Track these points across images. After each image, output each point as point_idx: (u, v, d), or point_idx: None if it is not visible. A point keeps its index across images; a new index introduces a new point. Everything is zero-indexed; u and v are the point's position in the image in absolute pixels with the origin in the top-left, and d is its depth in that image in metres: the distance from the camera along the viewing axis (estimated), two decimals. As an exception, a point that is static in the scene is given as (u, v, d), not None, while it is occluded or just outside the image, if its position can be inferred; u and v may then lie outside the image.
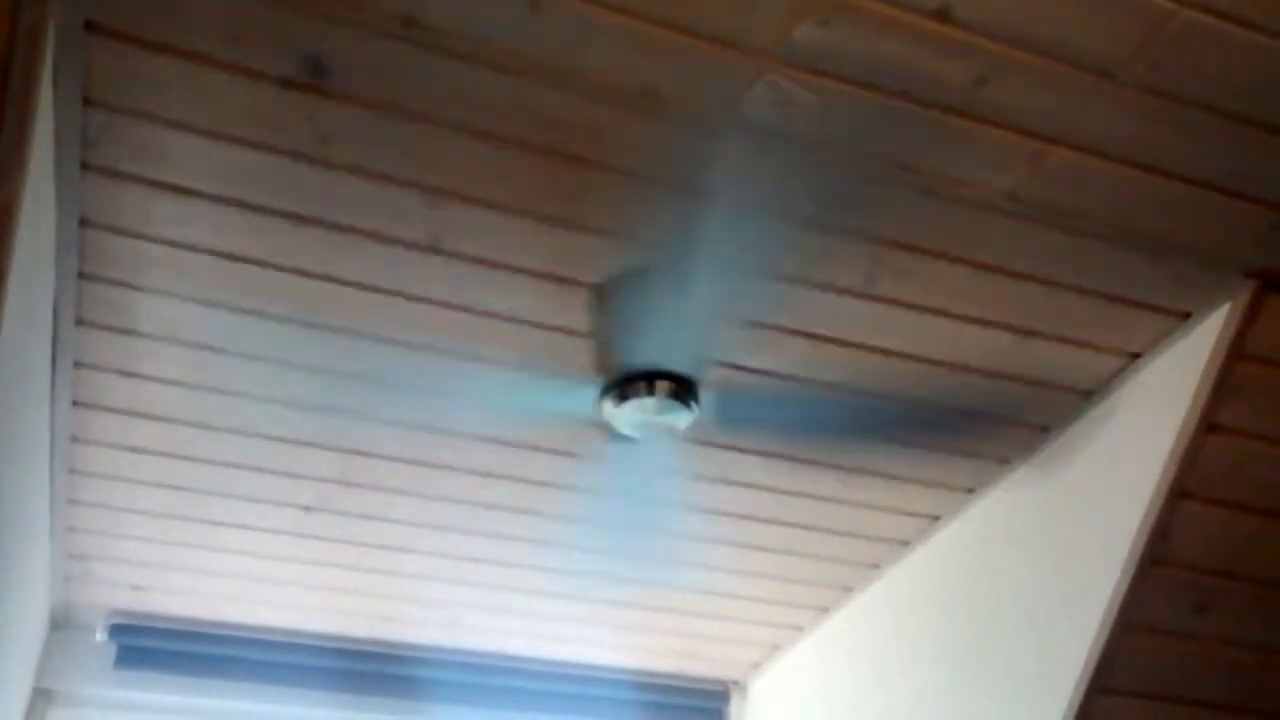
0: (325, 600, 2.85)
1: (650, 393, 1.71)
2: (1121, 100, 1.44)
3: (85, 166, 1.56)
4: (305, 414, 2.09)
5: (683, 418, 1.74)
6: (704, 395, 1.84)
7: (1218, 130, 1.49)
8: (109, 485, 2.33)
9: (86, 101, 1.46)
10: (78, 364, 1.96)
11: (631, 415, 1.73)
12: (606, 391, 1.74)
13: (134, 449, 2.20)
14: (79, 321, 1.86)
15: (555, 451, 2.22)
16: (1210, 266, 1.74)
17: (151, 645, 2.88)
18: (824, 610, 2.90)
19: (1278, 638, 2.05)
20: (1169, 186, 1.58)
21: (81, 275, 1.76)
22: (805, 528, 2.50)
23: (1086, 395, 2.05)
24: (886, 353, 1.93)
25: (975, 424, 2.12)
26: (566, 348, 1.89)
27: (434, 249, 1.70)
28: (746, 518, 2.47)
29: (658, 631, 3.06)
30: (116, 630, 2.85)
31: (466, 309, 1.82)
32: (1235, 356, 1.79)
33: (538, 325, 1.85)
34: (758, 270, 1.74)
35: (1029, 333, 1.89)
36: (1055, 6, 1.32)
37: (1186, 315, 1.85)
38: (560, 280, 1.76)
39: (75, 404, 2.06)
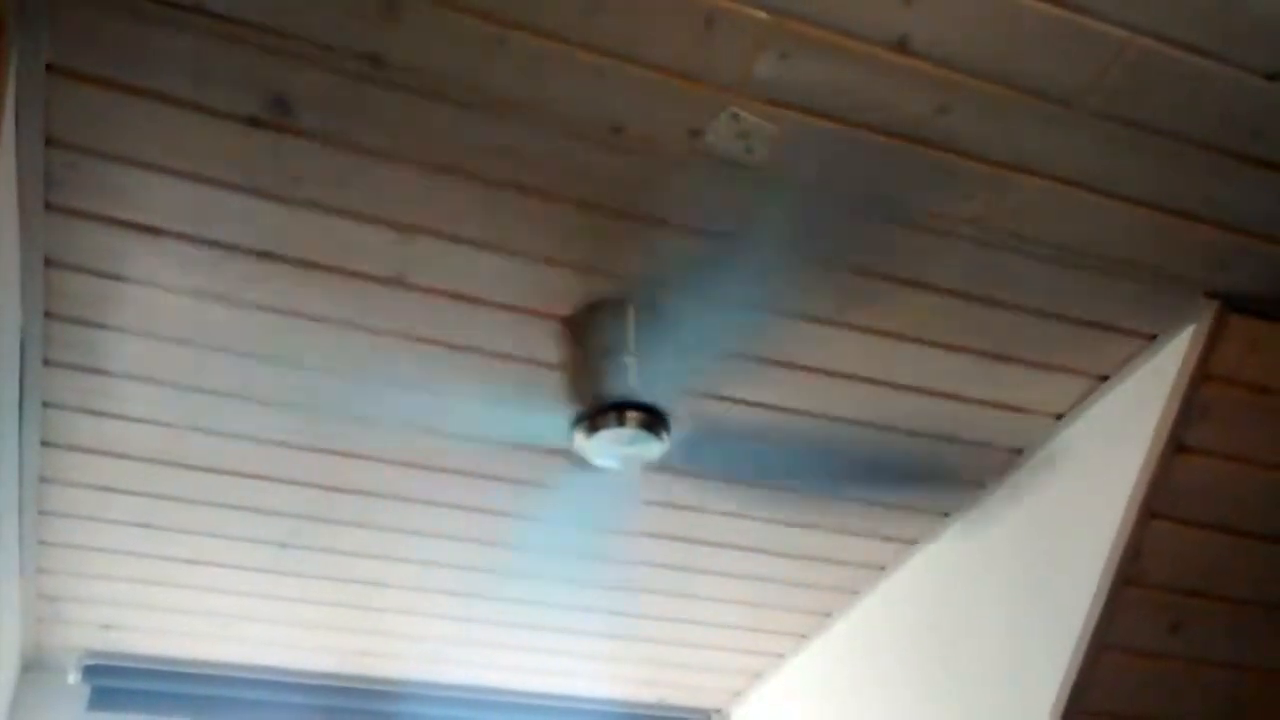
0: (303, 637, 2.82)
1: (621, 424, 1.71)
2: (1081, 127, 1.46)
3: (49, 206, 1.55)
4: (276, 449, 2.08)
5: (654, 449, 1.74)
6: (678, 425, 1.84)
7: (1176, 155, 1.51)
8: (80, 525, 2.31)
9: (49, 142, 1.45)
10: (46, 404, 1.94)
11: (603, 446, 1.73)
12: (578, 423, 1.73)
13: (104, 488, 2.18)
14: (46, 361, 1.84)
15: (530, 484, 2.21)
16: (1173, 289, 1.75)
17: (125, 686, 2.84)
18: (804, 637, 2.90)
19: (1251, 656, 2.06)
20: (1130, 211, 1.60)
21: (48, 315, 1.75)
22: (783, 555, 2.50)
23: (1056, 418, 2.06)
24: (859, 379, 1.94)
25: (949, 448, 2.13)
26: (536, 380, 1.89)
27: (401, 283, 1.70)
28: (725, 546, 2.47)
29: (639, 661, 3.05)
30: (89, 671, 2.82)
31: (435, 342, 1.82)
32: (1201, 377, 1.81)
33: (506, 358, 1.85)
34: (726, 300, 1.75)
35: (998, 357, 1.90)
36: (1012, 36, 1.33)
37: (1152, 337, 1.86)
38: (527, 312, 1.77)
39: (44, 444, 2.05)
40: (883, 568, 2.56)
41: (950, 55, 1.36)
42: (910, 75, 1.38)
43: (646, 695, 3.25)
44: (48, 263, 1.65)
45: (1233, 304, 1.77)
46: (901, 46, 1.34)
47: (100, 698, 2.85)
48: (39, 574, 2.48)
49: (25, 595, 2.54)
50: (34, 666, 2.86)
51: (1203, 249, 1.67)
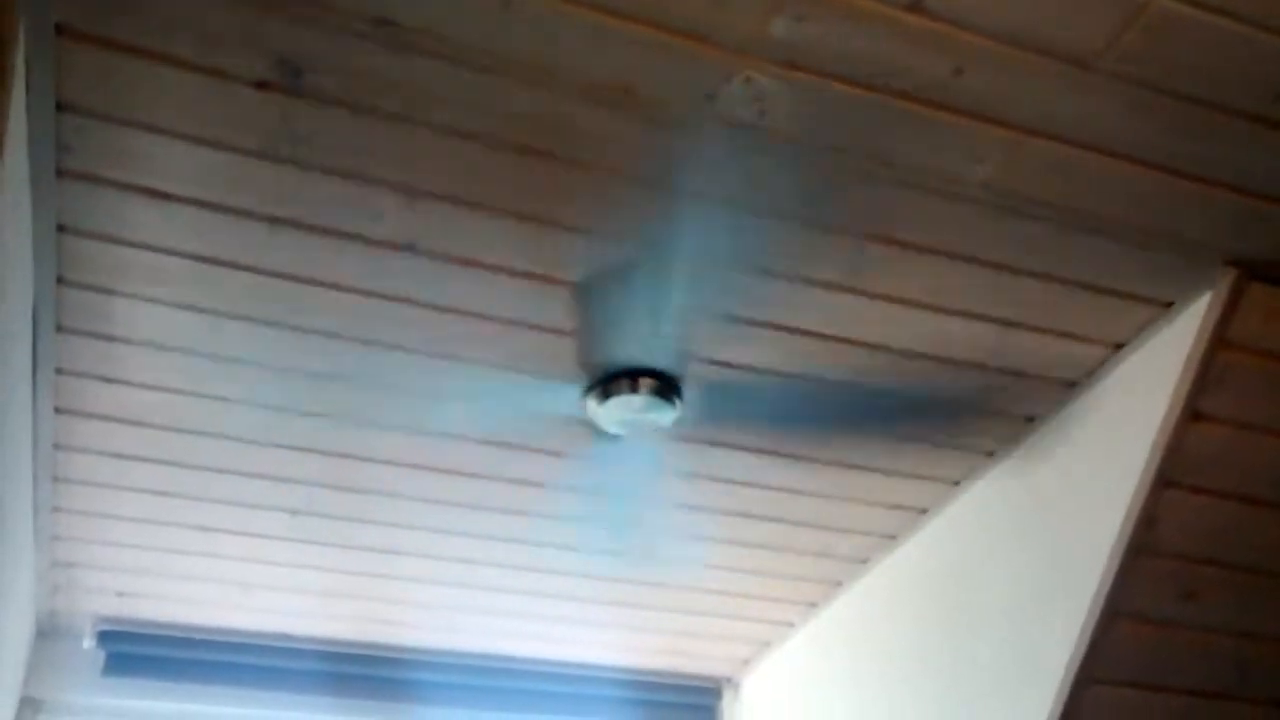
0: (315, 604, 2.84)
1: (634, 390, 1.71)
2: (1098, 90, 1.44)
3: (60, 172, 1.55)
4: (289, 417, 2.08)
5: (667, 415, 1.74)
6: (689, 390, 1.83)
7: (1195, 119, 1.49)
8: (93, 492, 2.32)
9: (59, 106, 1.45)
10: (59, 370, 1.95)
11: (615, 413, 1.73)
12: (590, 390, 1.73)
13: (117, 455, 2.19)
14: (59, 328, 1.85)
15: (543, 451, 2.21)
16: (1190, 255, 1.74)
17: (139, 652, 2.87)
18: (814, 605, 2.90)
19: (1264, 624, 2.06)
20: (1147, 176, 1.59)
21: (60, 281, 1.75)
22: (793, 523, 2.50)
23: (1070, 386, 2.05)
24: (868, 346, 1.93)
25: (959, 416, 2.13)
26: (548, 346, 1.88)
27: (412, 248, 1.70)
28: (735, 514, 2.47)
29: (650, 630, 3.06)
30: (104, 637, 2.84)
31: (446, 309, 1.82)
32: (1218, 345, 1.80)
33: (518, 324, 1.85)
34: (738, 265, 1.74)
35: (1011, 324, 1.89)
36: (1029, -3, 1.32)
37: (1168, 305, 1.85)
38: (539, 278, 1.76)
39: (57, 410, 2.05)
40: (893, 537, 2.56)
41: (965, 16, 1.34)
42: (925, 37, 1.36)
43: (656, 663, 3.27)
44: (60, 229, 1.65)
45: (1252, 271, 1.75)
46: (916, 7, 1.33)
47: (115, 663, 2.87)
48: (54, 541, 2.50)
49: (40, 562, 2.56)
50: (49, 633, 2.89)
51: (1221, 215, 1.65)
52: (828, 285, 1.79)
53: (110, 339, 1.87)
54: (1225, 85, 1.44)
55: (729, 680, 3.37)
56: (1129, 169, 1.57)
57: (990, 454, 2.25)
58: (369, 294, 1.78)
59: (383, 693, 3.06)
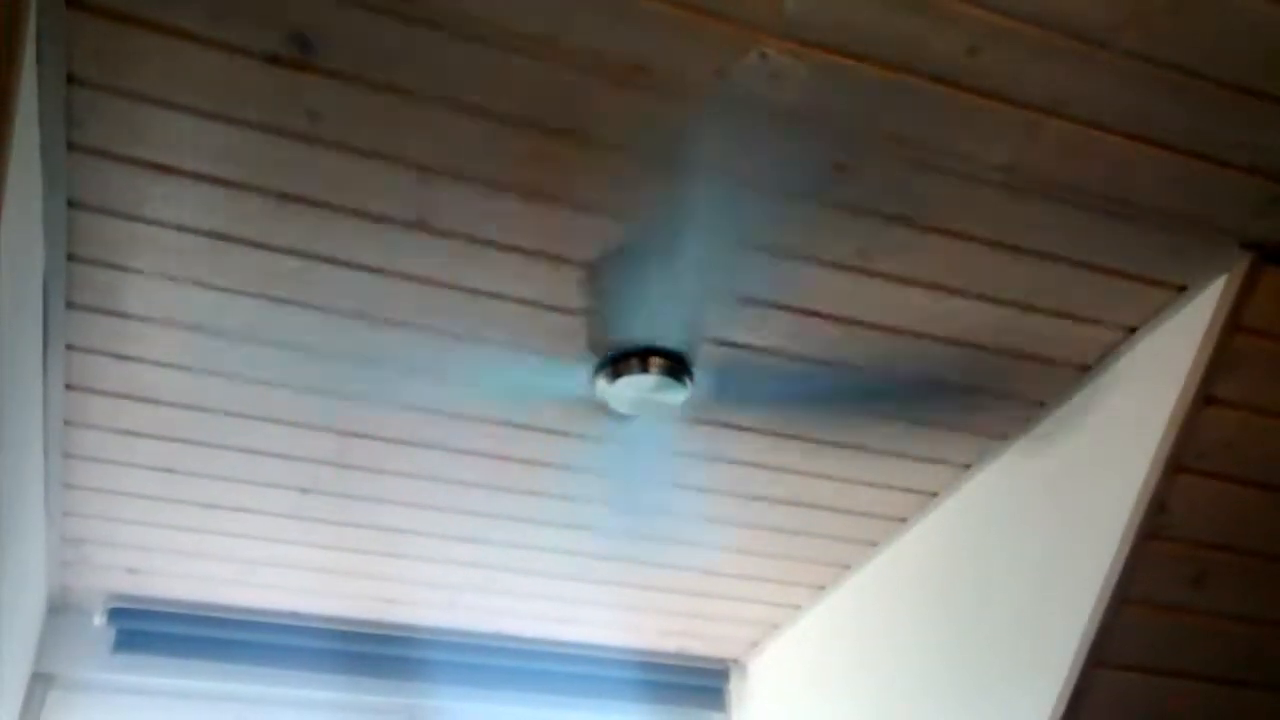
0: (323, 582, 2.85)
1: (644, 369, 1.70)
2: (1117, 70, 1.43)
3: (71, 146, 1.55)
4: (300, 395, 2.08)
5: (677, 394, 1.73)
6: (700, 372, 1.82)
7: (1215, 100, 1.47)
8: (104, 469, 2.32)
9: (70, 80, 1.44)
10: (69, 347, 1.95)
11: (625, 392, 1.72)
12: (600, 369, 1.72)
13: (128, 432, 2.20)
14: (69, 304, 1.85)
15: (553, 431, 2.21)
16: (1206, 239, 1.72)
17: (150, 629, 2.88)
18: (822, 589, 2.90)
19: (1274, 610, 2.05)
20: (1165, 158, 1.57)
21: (71, 257, 1.75)
22: (804, 506, 2.50)
23: (1083, 369, 2.04)
24: (882, 328, 1.92)
25: (972, 399, 2.12)
26: (558, 325, 1.88)
27: (423, 226, 1.69)
28: (745, 496, 2.47)
29: (658, 611, 3.06)
30: (115, 614, 2.85)
31: (456, 287, 1.81)
32: (1232, 329, 1.78)
33: (528, 303, 1.84)
34: (750, 244, 1.73)
35: (1025, 307, 1.88)
36: (1048, -26, 1.30)
37: (1183, 288, 1.83)
38: (550, 257, 1.75)
39: (68, 387, 2.05)
40: (903, 519, 2.56)
41: (984, -7, 1.33)
42: (941, 14, 1.35)
43: (664, 645, 3.27)
44: (70, 204, 1.65)
45: (1267, 255, 1.74)
46: (934, -16, 1.31)
47: (125, 640, 2.88)
48: (64, 517, 2.51)
49: (51, 538, 2.57)
50: (60, 609, 2.90)
51: (1238, 197, 1.64)
52: (841, 266, 1.78)
53: (121, 315, 1.87)
54: (1245, 65, 1.42)
55: (736, 662, 3.38)
56: (1147, 151, 1.56)
57: (1002, 437, 2.24)
58: (379, 272, 1.78)
59: (390, 671, 3.07)
